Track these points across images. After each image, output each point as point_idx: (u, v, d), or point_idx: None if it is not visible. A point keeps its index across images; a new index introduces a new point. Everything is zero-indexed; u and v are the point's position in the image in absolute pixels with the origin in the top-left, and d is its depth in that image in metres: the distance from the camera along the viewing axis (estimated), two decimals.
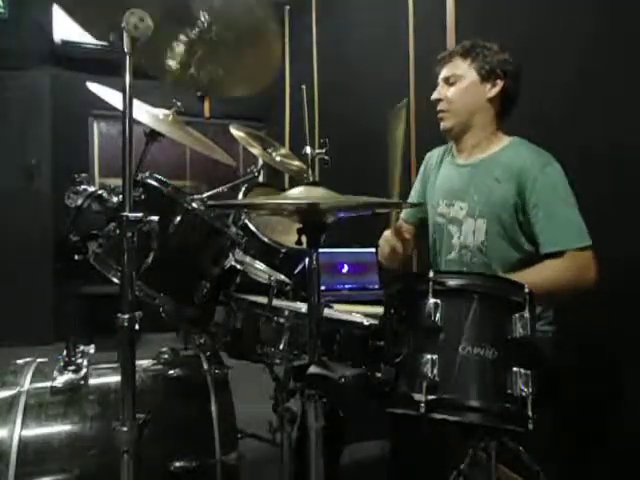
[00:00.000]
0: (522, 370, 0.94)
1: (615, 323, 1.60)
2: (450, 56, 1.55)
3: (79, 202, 1.26)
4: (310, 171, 1.21)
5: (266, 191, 2.01)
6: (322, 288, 1.05)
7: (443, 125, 1.56)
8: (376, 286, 2.71)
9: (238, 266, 1.38)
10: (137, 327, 0.97)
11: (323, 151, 1.18)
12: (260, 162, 2.12)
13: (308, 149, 1.17)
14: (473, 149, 1.55)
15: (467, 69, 1.50)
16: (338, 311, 1.45)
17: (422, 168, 1.76)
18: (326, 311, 1.25)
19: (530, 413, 0.93)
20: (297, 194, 1.05)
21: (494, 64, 1.49)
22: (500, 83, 1.49)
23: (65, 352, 1.40)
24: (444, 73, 1.55)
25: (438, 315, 0.97)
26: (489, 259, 1.45)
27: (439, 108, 1.55)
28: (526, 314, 0.97)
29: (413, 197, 1.76)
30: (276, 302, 1.30)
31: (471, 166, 1.54)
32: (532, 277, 1.31)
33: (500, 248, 1.44)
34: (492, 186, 1.45)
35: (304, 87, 1.26)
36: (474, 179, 1.51)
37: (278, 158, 2.05)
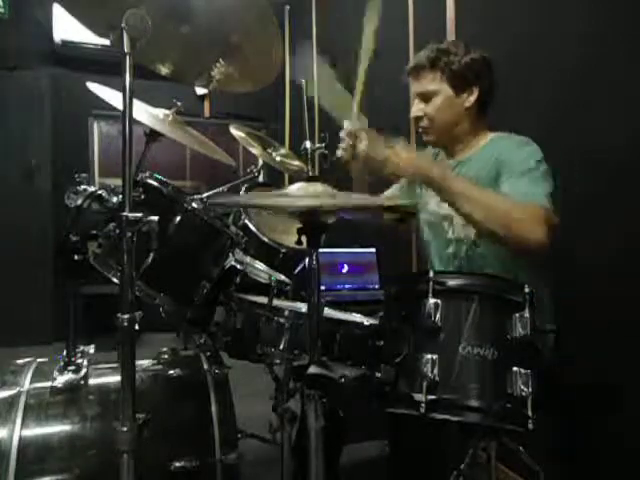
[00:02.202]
0: (522, 370, 0.95)
1: (616, 322, 1.60)
2: (418, 69, 1.50)
3: (79, 202, 1.26)
4: (310, 166, 1.21)
5: (266, 191, 2.01)
6: (322, 288, 1.05)
7: (426, 139, 1.56)
8: (376, 286, 2.71)
9: (238, 266, 1.38)
10: (137, 327, 0.97)
11: (322, 146, 1.18)
12: (260, 162, 2.12)
13: (307, 143, 1.17)
14: (460, 151, 1.57)
15: (439, 83, 1.47)
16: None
17: None
18: (326, 311, 1.25)
19: (530, 413, 0.93)
20: (297, 190, 1.05)
21: (463, 70, 1.46)
22: (476, 90, 1.47)
23: (65, 352, 1.40)
24: (417, 88, 1.52)
25: (438, 315, 0.97)
26: (483, 250, 1.46)
27: (420, 125, 1.54)
28: (526, 314, 0.98)
29: (395, 189, 1.74)
30: (276, 302, 1.29)
31: (458, 163, 1.56)
32: (488, 198, 1.29)
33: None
34: (477, 179, 1.45)
35: (304, 81, 1.25)
36: (461, 174, 1.52)
37: (278, 158, 2.05)
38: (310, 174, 1.10)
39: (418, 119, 1.54)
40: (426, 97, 1.51)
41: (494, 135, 1.54)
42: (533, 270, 1.43)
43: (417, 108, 1.53)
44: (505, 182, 1.36)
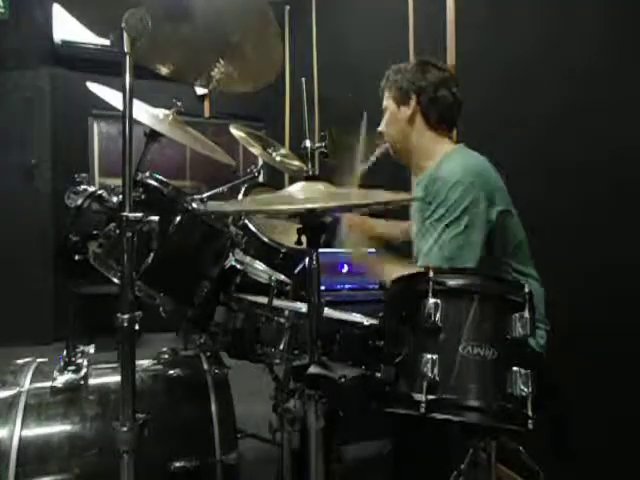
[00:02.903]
0: (522, 370, 0.95)
1: (615, 322, 1.60)
2: (383, 90, 1.62)
3: (79, 202, 1.26)
4: (309, 165, 1.20)
5: (266, 191, 2.01)
6: (322, 288, 1.05)
7: (391, 153, 1.64)
8: (376, 286, 2.71)
9: (238, 266, 1.38)
10: (137, 327, 0.97)
11: (322, 145, 1.18)
12: (260, 162, 2.12)
13: (307, 142, 1.17)
14: (419, 170, 1.59)
15: (388, 100, 1.59)
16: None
17: None
18: (326, 311, 1.25)
19: (530, 413, 0.93)
20: (296, 190, 1.05)
21: (405, 85, 1.54)
22: (412, 103, 1.53)
23: (65, 352, 1.40)
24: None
25: (438, 315, 0.97)
26: None
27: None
28: (526, 314, 0.97)
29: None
30: (276, 302, 1.29)
31: (417, 185, 1.59)
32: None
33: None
34: (421, 204, 1.49)
35: (303, 80, 1.26)
36: (415, 198, 1.56)
37: (278, 158, 2.05)
38: (310, 173, 1.09)
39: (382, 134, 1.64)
40: (384, 114, 1.62)
41: (442, 155, 1.51)
42: (522, 270, 1.44)
43: (381, 124, 1.64)
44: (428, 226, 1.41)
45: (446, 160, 1.48)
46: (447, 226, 1.36)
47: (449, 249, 1.35)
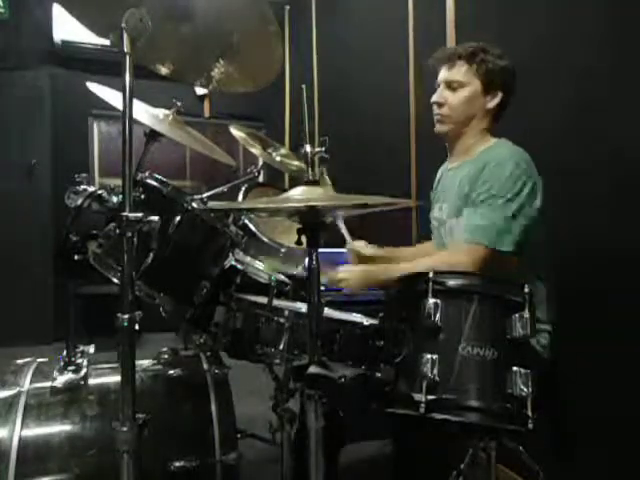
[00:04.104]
0: (522, 370, 0.95)
1: (616, 321, 1.60)
2: (454, 59, 1.51)
3: (79, 202, 1.26)
4: (309, 170, 1.20)
5: (266, 191, 2.01)
6: (322, 288, 1.05)
7: (439, 128, 1.56)
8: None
9: (238, 266, 1.38)
10: (137, 327, 0.97)
11: (322, 149, 1.18)
12: (260, 162, 2.12)
13: (307, 147, 1.17)
14: (462, 154, 1.57)
15: (472, 77, 1.49)
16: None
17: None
18: (326, 311, 1.25)
19: (530, 413, 0.93)
20: (297, 194, 1.05)
21: (496, 73, 1.48)
22: (499, 95, 1.50)
23: (65, 352, 1.40)
24: (447, 76, 1.52)
25: (438, 315, 0.97)
26: None
27: (438, 111, 1.54)
28: (526, 314, 0.98)
29: None
30: (276, 302, 1.29)
31: (456, 168, 1.57)
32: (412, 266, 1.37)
33: None
34: (458, 189, 1.49)
35: (304, 87, 1.26)
36: (455, 179, 1.53)
37: (278, 158, 2.05)
38: (310, 178, 1.09)
39: (439, 105, 1.54)
40: (454, 86, 1.51)
41: (492, 143, 1.52)
42: (531, 269, 1.44)
43: (441, 94, 1.53)
44: (466, 210, 1.43)
45: (493, 149, 1.49)
46: (496, 206, 1.36)
47: (495, 230, 1.35)
